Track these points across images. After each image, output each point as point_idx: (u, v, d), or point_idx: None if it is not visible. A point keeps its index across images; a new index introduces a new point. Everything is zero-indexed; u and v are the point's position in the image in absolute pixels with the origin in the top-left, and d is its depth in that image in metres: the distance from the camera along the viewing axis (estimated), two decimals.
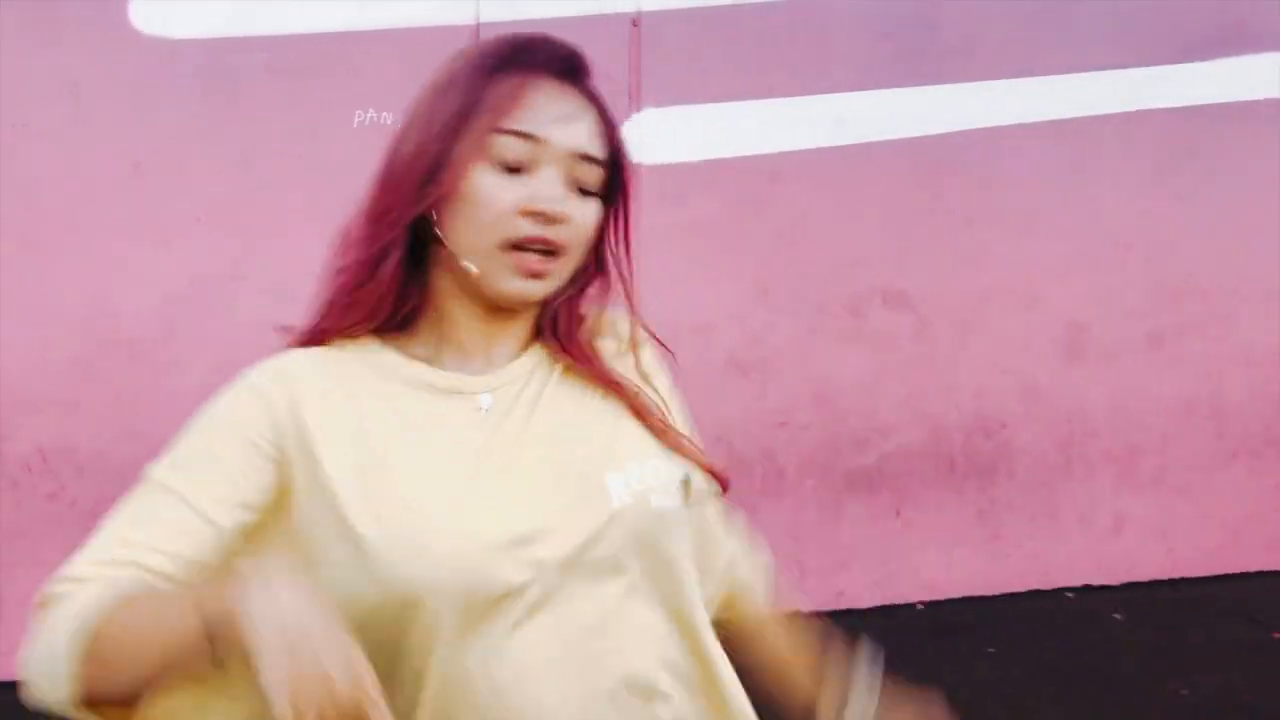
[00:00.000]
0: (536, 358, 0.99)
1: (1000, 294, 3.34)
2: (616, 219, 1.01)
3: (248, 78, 2.80)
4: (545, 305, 0.99)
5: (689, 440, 1.00)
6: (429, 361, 0.96)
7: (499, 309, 0.96)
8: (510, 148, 0.90)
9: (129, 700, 0.79)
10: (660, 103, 3.02)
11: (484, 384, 0.95)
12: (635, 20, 3.00)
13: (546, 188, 0.91)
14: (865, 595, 3.31)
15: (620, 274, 1.02)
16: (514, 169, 0.91)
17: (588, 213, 0.95)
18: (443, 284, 0.96)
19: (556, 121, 0.92)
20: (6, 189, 2.70)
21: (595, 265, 1.01)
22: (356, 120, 2.83)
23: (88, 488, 2.79)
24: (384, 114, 2.84)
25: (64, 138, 2.73)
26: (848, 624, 1.17)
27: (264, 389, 0.91)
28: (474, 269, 0.92)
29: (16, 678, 0.82)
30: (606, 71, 1.01)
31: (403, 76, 2.86)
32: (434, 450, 0.91)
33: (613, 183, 0.98)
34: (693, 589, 0.97)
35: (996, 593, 3.37)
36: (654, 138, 3.03)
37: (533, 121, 0.91)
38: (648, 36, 3.00)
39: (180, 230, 2.81)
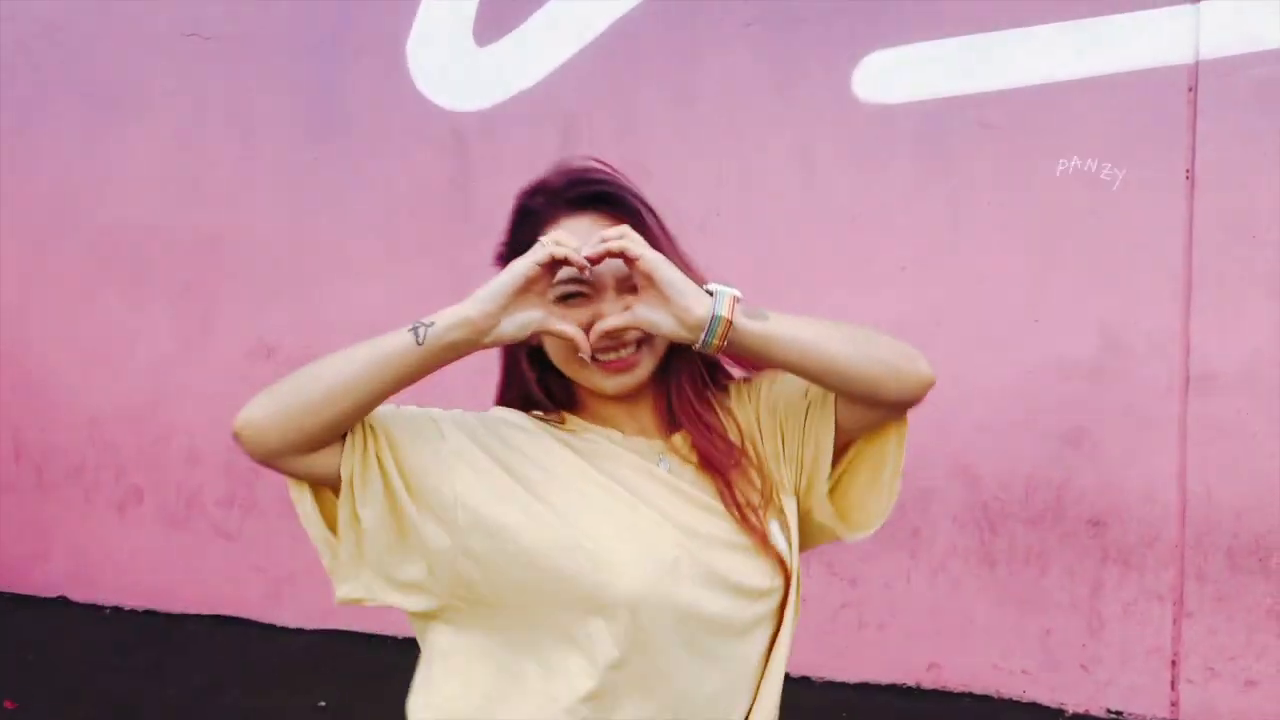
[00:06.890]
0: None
1: None
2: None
3: (958, 135, 2.96)
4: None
5: (759, 526, 1.17)
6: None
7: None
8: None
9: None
10: None
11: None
12: None
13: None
14: None
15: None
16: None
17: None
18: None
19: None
20: (741, 240, 3.19)
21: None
22: (1059, 169, 2.84)
23: None
24: (1088, 161, 2.82)
25: (792, 197, 3.13)
26: None
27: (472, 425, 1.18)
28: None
29: None
30: None
31: (1109, 123, 2.85)
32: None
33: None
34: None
35: None
36: None
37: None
38: None
39: (887, 279, 3.06)
